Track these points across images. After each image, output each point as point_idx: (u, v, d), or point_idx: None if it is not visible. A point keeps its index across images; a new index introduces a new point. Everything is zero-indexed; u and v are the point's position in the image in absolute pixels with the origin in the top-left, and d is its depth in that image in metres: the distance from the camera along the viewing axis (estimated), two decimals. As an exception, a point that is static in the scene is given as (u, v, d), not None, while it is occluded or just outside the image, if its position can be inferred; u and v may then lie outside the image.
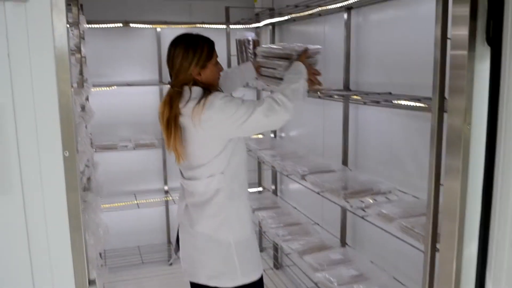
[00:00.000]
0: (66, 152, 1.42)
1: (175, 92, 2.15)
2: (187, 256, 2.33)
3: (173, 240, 4.61)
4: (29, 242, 1.48)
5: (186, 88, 2.14)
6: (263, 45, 2.75)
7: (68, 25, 1.43)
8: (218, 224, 2.22)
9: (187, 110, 2.10)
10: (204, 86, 2.16)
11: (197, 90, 2.13)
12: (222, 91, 2.24)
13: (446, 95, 1.51)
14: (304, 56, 2.32)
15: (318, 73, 2.32)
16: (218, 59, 2.27)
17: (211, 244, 2.23)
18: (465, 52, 1.37)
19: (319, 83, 2.33)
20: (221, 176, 2.18)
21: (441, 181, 1.60)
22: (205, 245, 2.24)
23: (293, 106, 2.05)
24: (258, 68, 2.64)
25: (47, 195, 1.45)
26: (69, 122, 1.42)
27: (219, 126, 2.08)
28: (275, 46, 2.62)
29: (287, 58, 2.40)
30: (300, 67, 2.22)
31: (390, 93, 2.56)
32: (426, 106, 2.03)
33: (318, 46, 2.49)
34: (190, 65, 2.13)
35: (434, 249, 1.71)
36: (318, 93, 2.75)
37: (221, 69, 2.28)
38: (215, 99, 2.06)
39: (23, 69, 1.38)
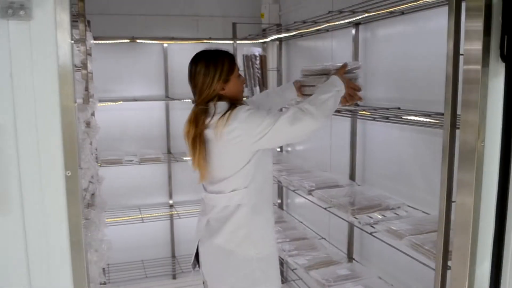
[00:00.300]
0: (68, 172, 1.41)
1: (200, 109, 2.13)
2: (208, 271, 2.30)
3: (178, 254, 4.62)
4: (29, 263, 1.46)
5: (211, 105, 2.11)
6: (307, 65, 2.66)
7: (73, 42, 1.42)
8: (240, 239, 2.18)
9: (212, 123, 2.08)
10: (229, 101, 2.13)
11: (222, 105, 2.11)
12: (247, 105, 2.20)
13: (458, 111, 1.50)
14: (342, 70, 2.29)
15: (358, 88, 2.28)
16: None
17: (232, 259, 2.19)
18: (478, 68, 1.35)
19: (359, 98, 2.30)
20: (245, 191, 2.15)
21: (453, 197, 1.58)
22: (227, 260, 2.20)
23: (321, 114, 2.01)
24: (299, 88, 2.59)
25: (48, 216, 1.44)
26: (72, 142, 1.41)
27: (243, 137, 2.04)
28: (316, 65, 2.58)
29: (326, 74, 2.37)
30: (333, 80, 2.18)
31: (399, 108, 2.55)
32: (437, 121, 2.01)
33: (358, 63, 2.45)
34: (213, 80, 2.10)
35: (445, 267, 1.68)
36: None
37: (243, 81, 2.26)
38: (240, 111, 2.04)
39: (25, 88, 1.37)
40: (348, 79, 2.26)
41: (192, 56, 2.19)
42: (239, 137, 2.04)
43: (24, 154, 1.40)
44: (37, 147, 1.40)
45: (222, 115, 2.04)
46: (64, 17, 1.35)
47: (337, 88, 2.13)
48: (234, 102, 2.13)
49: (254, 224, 2.19)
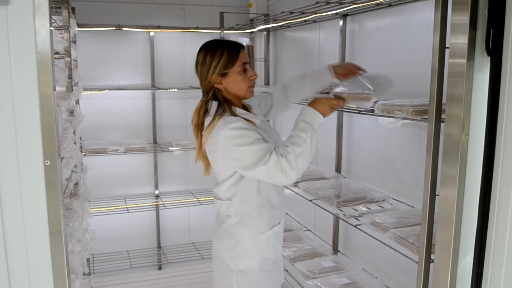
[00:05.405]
0: (47, 162, 1.38)
1: (202, 101, 2.00)
2: None
3: (164, 244, 4.61)
4: (7, 253, 1.43)
5: (210, 102, 1.97)
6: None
7: (53, 28, 1.38)
8: (226, 249, 2.06)
9: (206, 122, 1.96)
10: (226, 98, 1.98)
11: (214, 105, 1.95)
12: (248, 109, 2.06)
13: (444, 104, 1.50)
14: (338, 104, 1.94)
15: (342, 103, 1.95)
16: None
17: (218, 264, 2.12)
18: (464, 62, 1.35)
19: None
20: (229, 203, 2.03)
21: (437, 191, 1.58)
22: (215, 265, 2.15)
23: (300, 169, 1.82)
24: (335, 68, 2.22)
25: (26, 206, 1.41)
26: (51, 131, 1.38)
27: (218, 157, 1.94)
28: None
29: None
30: (308, 116, 1.90)
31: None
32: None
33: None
34: (208, 72, 1.93)
35: (428, 260, 1.69)
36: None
37: (252, 77, 2.00)
38: (225, 128, 1.85)
39: (2, 76, 1.34)
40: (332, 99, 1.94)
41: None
42: (215, 154, 1.94)
43: (1, 143, 1.37)
44: (15, 136, 1.37)
45: (210, 122, 1.90)
46: (43, 2, 1.31)
47: (312, 126, 1.87)
48: (230, 102, 1.98)
49: (240, 237, 2.04)
